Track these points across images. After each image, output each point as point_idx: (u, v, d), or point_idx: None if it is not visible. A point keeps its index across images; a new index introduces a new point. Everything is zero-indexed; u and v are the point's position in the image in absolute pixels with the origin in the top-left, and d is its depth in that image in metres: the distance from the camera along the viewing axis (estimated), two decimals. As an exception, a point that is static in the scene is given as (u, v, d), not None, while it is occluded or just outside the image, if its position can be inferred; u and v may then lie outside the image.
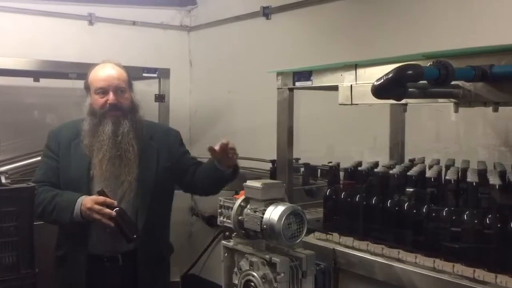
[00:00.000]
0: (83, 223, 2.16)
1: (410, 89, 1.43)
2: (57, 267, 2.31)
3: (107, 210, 2.09)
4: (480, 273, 1.45)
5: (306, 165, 3.00)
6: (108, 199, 2.11)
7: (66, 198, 2.18)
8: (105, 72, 2.26)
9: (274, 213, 1.51)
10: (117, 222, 2.10)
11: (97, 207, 2.09)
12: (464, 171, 1.84)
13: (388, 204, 1.71)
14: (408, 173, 1.76)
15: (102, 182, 2.21)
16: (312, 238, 1.89)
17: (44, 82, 3.32)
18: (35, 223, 1.94)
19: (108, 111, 2.23)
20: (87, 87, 2.30)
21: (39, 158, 2.51)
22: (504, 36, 2.04)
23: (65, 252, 2.29)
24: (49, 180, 2.27)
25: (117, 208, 2.11)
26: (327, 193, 1.94)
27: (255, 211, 1.57)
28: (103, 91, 2.23)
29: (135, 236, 2.13)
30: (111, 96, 2.22)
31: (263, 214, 1.53)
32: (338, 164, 2.04)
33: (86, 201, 2.12)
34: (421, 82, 1.44)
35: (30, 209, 1.90)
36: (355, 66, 1.81)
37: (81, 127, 2.27)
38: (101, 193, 2.12)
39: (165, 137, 2.39)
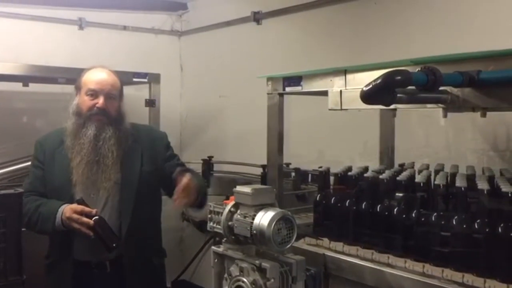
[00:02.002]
0: (68, 231, 2.15)
1: (398, 95, 1.44)
2: (46, 274, 2.29)
3: (85, 220, 2.07)
4: (469, 278, 1.45)
5: (297, 170, 3.01)
6: (86, 208, 2.09)
7: (48, 208, 2.17)
8: (100, 76, 2.26)
9: (264, 218, 1.51)
10: (96, 231, 2.08)
11: (75, 216, 2.08)
12: (453, 176, 1.85)
13: (378, 209, 1.72)
14: (398, 178, 1.76)
15: (82, 187, 2.19)
16: (302, 243, 1.89)
17: (33, 87, 3.30)
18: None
19: (95, 114, 2.21)
20: (78, 87, 2.29)
21: (27, 163, 2.50)
22: (491, 42, 2.06)
23: (53, 260, 2.27)
24: (36, 189, 2.26)
25: (96, 217, 2.09)
26: (317, 198, 1.94)
27: (245, 217, 1.56)
28: (94, 94, 2.22)
29: (114, 245, 2.11)
30: (101, 101, 2.21)
31: (253, 219, 1.53)
32: (328, 169, 2.04)
33: (66, 210, 2.11)
34: (409, 87, 1.45)
35: (17, 215, 1.88)
36: (344, 71, 1.81)
37: (65, 128, 2.26)
38: (80, 202, 2.11)
39: (150, 139, 2.37)
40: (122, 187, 2.22)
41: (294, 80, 2.05)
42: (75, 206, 2.11)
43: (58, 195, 2.21)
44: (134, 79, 3.25)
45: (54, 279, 2.26)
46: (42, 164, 2.28)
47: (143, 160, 2.30)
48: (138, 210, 2.25)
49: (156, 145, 2.37)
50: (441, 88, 1.46)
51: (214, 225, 1.69)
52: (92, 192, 2.19)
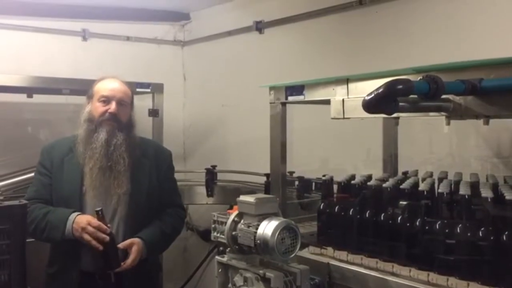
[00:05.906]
0: (75, 240, 2.15)
1: (401, 103, 1.44)
2: (49, 285, 2.29)
3: (101, 235, 2.08)
4: (474, 287, 1.44)
5: (301, 178, 3.01)
6: (102, 225, 2.10)
7: (57, 216, 2.18)
8: (113, 84, 2.32)
9: (267, 228, 1.51)
10: (106, 248, 2.09)
11: (90, 229, 2.08)
12: (457, 183, 1.84)
13: (382, 218, 1.71)
14: (401, 186, 1.76)
15: (93, 194, 2.19)
16: (306, 253, 1.88)
17: (37, 98, 3.32)
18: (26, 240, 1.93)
19: (107, 119, 2.24)
20: (90, 96, 2.33)
21: (32, 174, 2.50)
22: (493, 50, 2.06)
23: (57, 269, 2.27)
24: (42, 197, 2.26)
25: (112, 234, 2.11)
26: (321, 207, 1.93)
27: (248, 226, 1.56)
28: (107, 100, 2.26)
29: (116, 267, 2.13)
30: (113, 106, 2.25)
31: (257, 229, 1.53)
32: (332, 178, 2.04)
33: (80, 220, 2.11)
34: (411, 96, 1.45)
35: (22, 227, 1.88)
36: (346, 80, 1.82)
37: (76, 138, 2.28)
38: (99, 213, 2.10)
39: (156, 156, 2.40)
40: (130, 200, 2.24)
41: (297, 89, 2.06)
42: (91, 218, 2.11)
43: (66, 204, 2.22)
44: (137, 89, 3.26)
45: (58, 289, 2.26)
46: (50, 172, 2.28)
47: (150, 175, 2.33)
48: (145, 223, 2.27)
49: (160, 163, 2.40)
50: (443, 96, 1.46)
51: (218, 234, 1.69)
52: (102, 202, 2.20)
